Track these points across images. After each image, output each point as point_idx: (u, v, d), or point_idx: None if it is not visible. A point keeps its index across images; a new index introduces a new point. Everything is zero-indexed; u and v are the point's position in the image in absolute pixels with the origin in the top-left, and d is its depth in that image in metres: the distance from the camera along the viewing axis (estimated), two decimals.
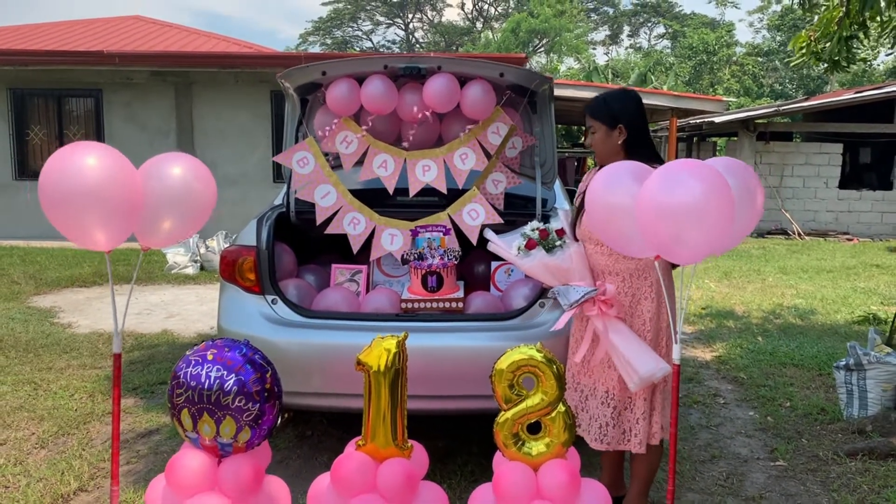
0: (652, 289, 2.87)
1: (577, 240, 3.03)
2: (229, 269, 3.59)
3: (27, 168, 13.28)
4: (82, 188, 2.35)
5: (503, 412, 2.41)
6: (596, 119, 2.98)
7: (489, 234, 3.25)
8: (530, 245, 2.95)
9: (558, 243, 2.93)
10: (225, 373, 2.27)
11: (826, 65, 5.50)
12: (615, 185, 2.50)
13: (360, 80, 3.72)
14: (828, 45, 5.37)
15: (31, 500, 3.29)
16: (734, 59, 40.02)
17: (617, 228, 2.55)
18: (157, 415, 4.42)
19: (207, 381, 2.26)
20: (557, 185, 4.23)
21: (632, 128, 2.93)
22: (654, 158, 2.87)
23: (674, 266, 2.92)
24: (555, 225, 3.02)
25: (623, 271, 2.88)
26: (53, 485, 3.45)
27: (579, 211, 3.04)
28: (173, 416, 2.36)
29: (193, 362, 2.31)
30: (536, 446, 2.40)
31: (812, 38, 5.58)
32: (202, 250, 9.97)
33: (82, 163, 2.38)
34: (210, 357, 2.31)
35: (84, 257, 10.44)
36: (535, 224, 3.02)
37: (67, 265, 9.82)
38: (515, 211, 3.96)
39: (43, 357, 5.59)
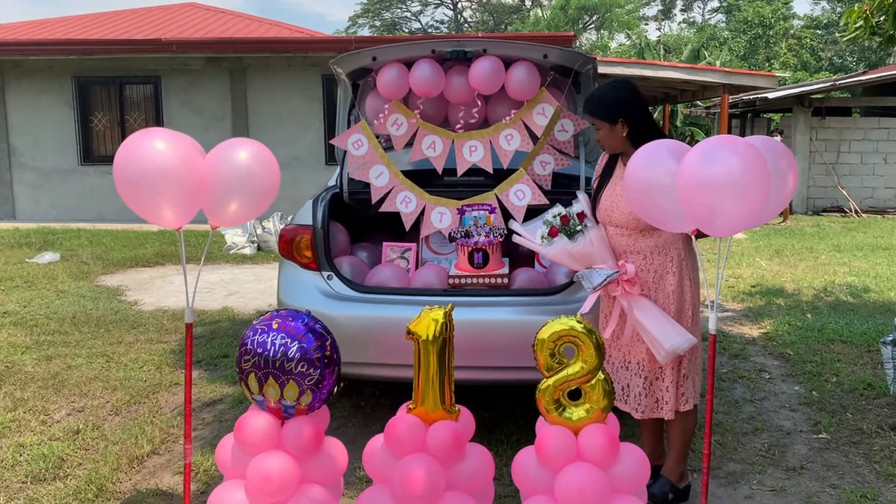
0: (673, 263, 2.96)
1: (598, 222, 3.10)
2: (287, 247, 3.80)
3: (91, 153, 13.76)
4: (154, 170, 2.51)
5: (545, 379, 2.54)
6: (596, 117, 3.01)
7: (515, 225, 3.33)
8: (553, 232, 3.04)
9: (579, 228, 3.00)
10: (289, 340, 2.47)
11: (880, 39, 5.42)
12: (653, 163, 2.60)
13: (409, 64, 3.86)
14: (883, 18, 5.29)
15: (110, 460, 3.57)
16: (791, 32, 38.82)
17: (656, 204, 2.64)
18: (220, 385, 4.69)
19: (273, 347, 2.46)
20: None
21: (632, 120, 2.96)
22: None
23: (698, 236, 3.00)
24: (576, 209, 3.09)
25: (644, 249, 2.97)
26: (129, 448, 3.73)
27: (597, 194, 3.13)
28: (241, 380, 2.57)
29: (260, 330, 2.51)
30: (577, 412, 2.53)
31: (868, 11, 5.48)
32: (259, 231, 10.27)
33: (154, 146, 2.55)
34: (275, 326, 2.50)
35: (146, 239, 10.87)
36: (556, 210, 3.09)
37: (131, 246, 10.25)
38: (560, 189, 4.06)
39: (113, 332, 5.93)
